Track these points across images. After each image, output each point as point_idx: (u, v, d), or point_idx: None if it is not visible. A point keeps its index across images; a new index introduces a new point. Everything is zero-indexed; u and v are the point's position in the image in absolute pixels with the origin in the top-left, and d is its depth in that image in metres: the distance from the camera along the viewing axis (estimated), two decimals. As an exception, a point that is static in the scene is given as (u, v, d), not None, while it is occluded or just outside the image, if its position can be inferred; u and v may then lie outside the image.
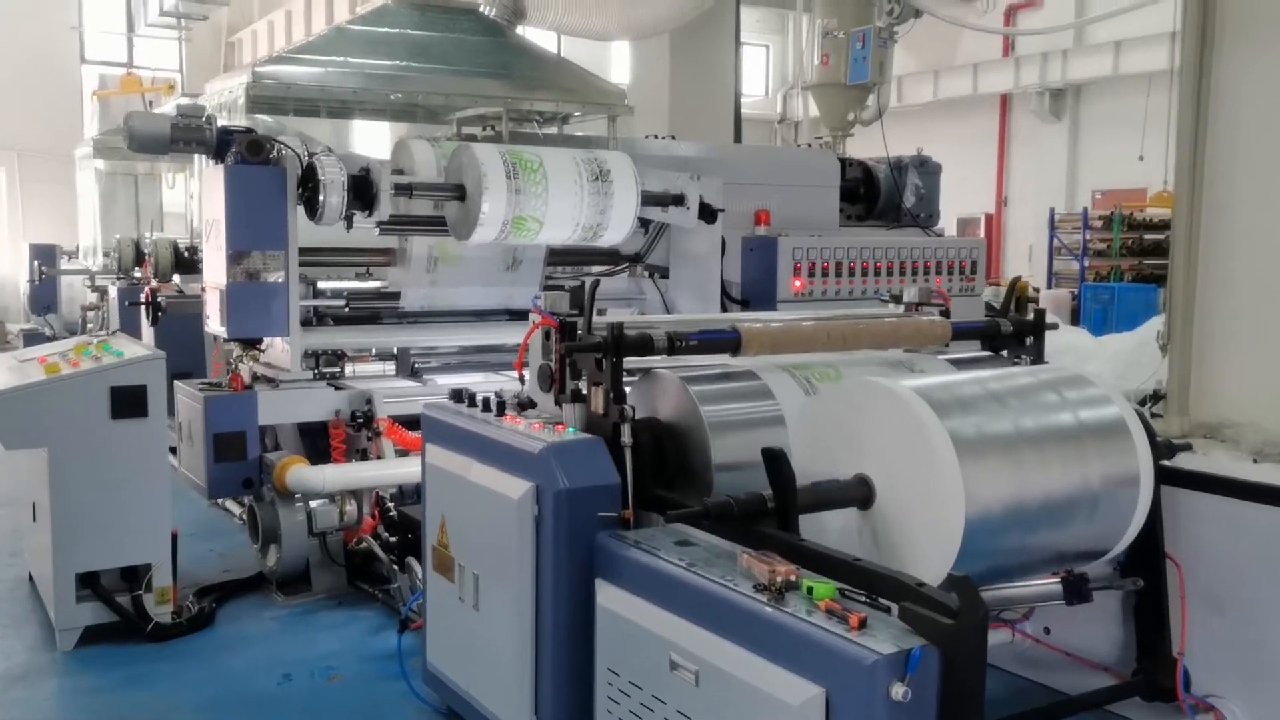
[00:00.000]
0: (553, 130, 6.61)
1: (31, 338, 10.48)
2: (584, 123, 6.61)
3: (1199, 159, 5.04)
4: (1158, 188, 16.71)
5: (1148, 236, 16.61)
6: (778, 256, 6.59)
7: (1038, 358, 3.82)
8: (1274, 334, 4.81)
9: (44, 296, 11.17)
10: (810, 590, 2.30)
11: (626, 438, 2.97)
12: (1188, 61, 5.30)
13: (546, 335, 3.31)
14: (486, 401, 3.38)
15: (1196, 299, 5.04)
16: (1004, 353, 3.89)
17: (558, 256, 5.93)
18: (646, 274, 6.32)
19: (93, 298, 9.91)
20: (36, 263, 10.68)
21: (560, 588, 2.90)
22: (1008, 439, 2.84)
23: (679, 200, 5.43)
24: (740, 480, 3.04)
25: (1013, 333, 3.81)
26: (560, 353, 3.13)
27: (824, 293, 6.75)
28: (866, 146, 8.67)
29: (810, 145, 8.47)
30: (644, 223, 5.81)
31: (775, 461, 2.70)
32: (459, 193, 4.80)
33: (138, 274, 8.06)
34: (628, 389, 3.11)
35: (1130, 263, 16.11)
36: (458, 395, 3.58)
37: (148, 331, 7.07)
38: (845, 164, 7.53)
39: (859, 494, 2.80)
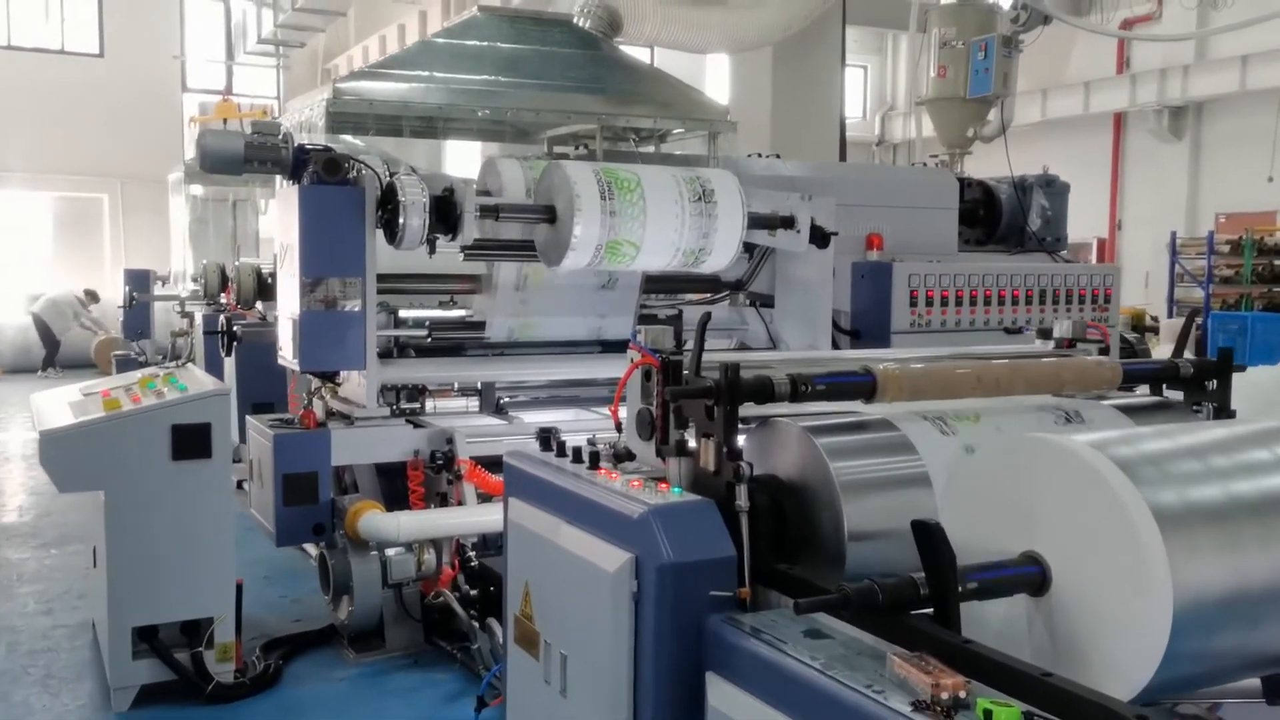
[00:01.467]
0: (650, 149, 6.20)
1: (125, 363, 10.44)
2: (683, 140, 6.19)
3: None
4: (1290, 210, 15.69)
5: (1279, 262, 15.56)
6: (892, 284, 6.05)
7: (1223, 405, 3.24)
8: None
9: (138, 322, 11.15)
10: (988, 714, 1.80)
11: (743, 501, 2.50)
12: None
13: (647, 376, 2.87)
14: (577, 451, 2.93)
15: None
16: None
17: (653, 284, 5.50)
18: (749, 303, 5.86)
19: (183, 324, 9.81)
20: (128, 288, 10.66)
21: (663, 680, 2.42)
22: (1220, 509, 2.29)
23: (789, 223, 4.96)
24: (878, 552, 2.55)
25: (1193, 375, 3.23)
26: (663, 397, 2.67)
27: (943, 324, 6.19)
28: (980, 167, 8.09)
29: (925, 164, 7.95)
30: (748, 247, 5.36)
31: (930, 537, 2.19)
32: (549, 215, 4.40)
33: (224, 300, 7.87)
34: (741, 441, 2.64)
35: (1260, 290, 15.08)
36: (545, 440, 3.15)
37: (230, 360, 6.84)
38: (964, 184, 6.96)
39: (1031, 578, 2.27)
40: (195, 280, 9.38)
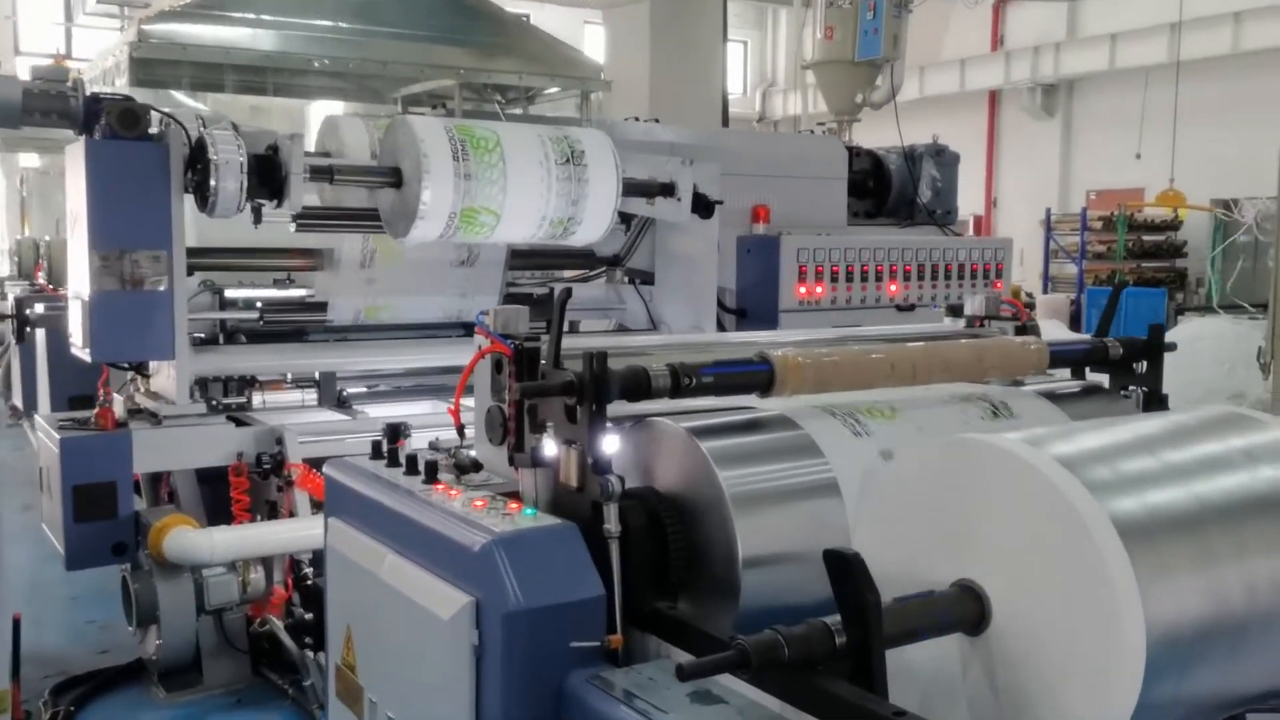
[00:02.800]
0: (517, 111, 5.63)
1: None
2: (553, 100, 5.64)
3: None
4: (1158, 187, 15.96)
5: (1147, 238, 15.85)
6: (780, 259, 5.64)
7: (1154, 390, 2.87)
8: None
9: (-49, 306, 10.03)
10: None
11: (613, 524, 2.00)
12: None
13: (498, 367, 2.34)
14: (412, 461, 2.39)
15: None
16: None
17: (521, 259, 4.96)
18: (627, 280, 5.37)
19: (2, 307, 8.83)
20: (-64, 270, 9.58)
21: (513, 755, 1.91)
22: (1188, 517, 1.88)
23: (669, 190, 4.47)
24: (779, 580, 2.09)
25: (1123, 356, 2.86)
26: (516, 395, 2.15)
27: (833, 301, 5.81)
28: (863, 141, 7.75)
29: (813, 132, 7.56)
30: (624, 218, 4.86)
31: (847, 573, 1.72)
32: (393, 178, 3.81)
33: (38, 279, 7.01)
34: (611, 447, 2.13)
35: (1131, 265, 15.34)
36: (378, 446, 2.60)
37: (41, 349, 6.04)
38: (852, 153, 6.59)
39: (967, 613, 1.83)
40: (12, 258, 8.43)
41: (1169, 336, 5.15)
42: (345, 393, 4.50)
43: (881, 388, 2.42)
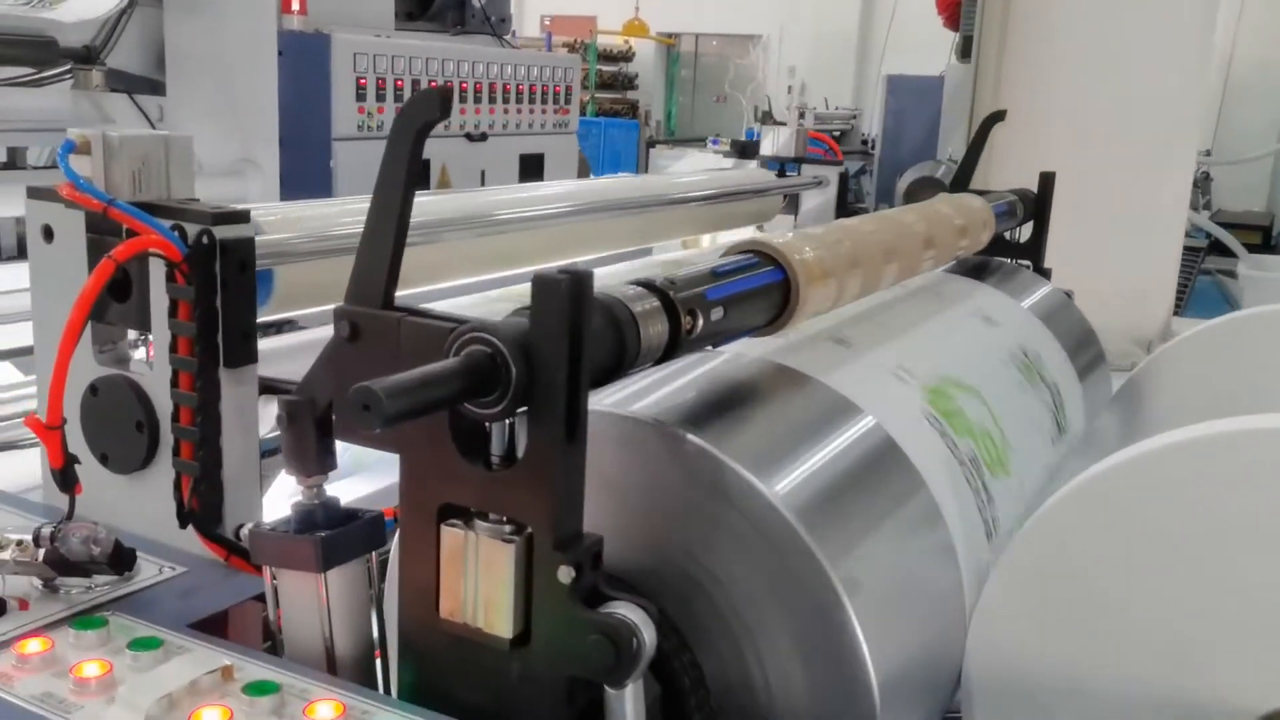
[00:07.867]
0: None
1: None
2: None
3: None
4: (610, 17, 15.95)
5: (604, 68, 15.87)
6: (332, 66, 4.17)
7: (1037, 263, 2.14)
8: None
9: None
10: None
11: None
12: None
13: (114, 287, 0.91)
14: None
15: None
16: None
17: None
18: (112, 87, 3.56)
19: None
20: None
21: None
22: None
23: (211, -58, 2.82)
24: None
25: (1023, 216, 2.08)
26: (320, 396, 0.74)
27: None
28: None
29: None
30: (119, -12, 3.11)
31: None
32: None
33: None
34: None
35: (589, 95, 15.28)
36: None
37: None
38: (392, -66, 5.11)
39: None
40: None
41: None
42: None
43: (879, 290, 1.37)
